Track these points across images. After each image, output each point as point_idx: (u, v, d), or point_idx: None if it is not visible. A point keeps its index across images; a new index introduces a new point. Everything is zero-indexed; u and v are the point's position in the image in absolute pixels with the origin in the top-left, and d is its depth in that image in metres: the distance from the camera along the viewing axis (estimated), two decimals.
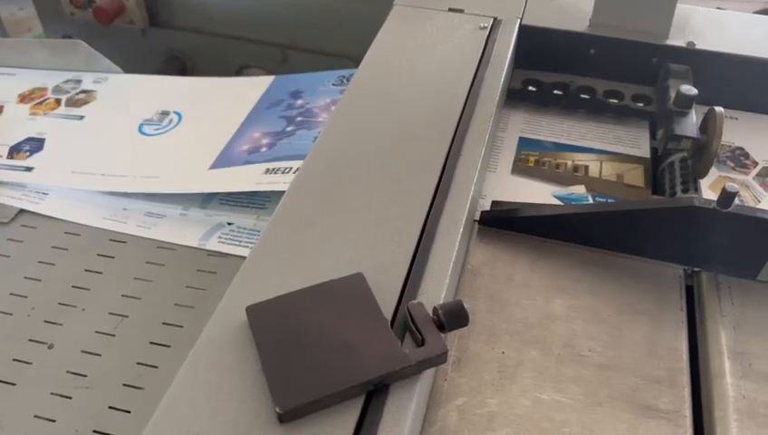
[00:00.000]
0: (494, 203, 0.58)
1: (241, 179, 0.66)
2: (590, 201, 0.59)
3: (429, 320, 0.39)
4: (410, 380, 0.38)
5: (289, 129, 0.73)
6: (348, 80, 0.78)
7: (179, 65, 1.20)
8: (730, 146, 0.64)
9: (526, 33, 0.69)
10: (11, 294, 0.61)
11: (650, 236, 0.53)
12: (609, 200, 0.59)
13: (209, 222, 0.66)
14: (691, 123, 0.59)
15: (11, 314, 0.59)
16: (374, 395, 0.37)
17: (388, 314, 0.41)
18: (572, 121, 0.69)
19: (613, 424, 0.44)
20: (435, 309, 0.40)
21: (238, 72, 1.17)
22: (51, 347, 0.56)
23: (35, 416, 0.51)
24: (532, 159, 0.63)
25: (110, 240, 0.66)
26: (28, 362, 0.55)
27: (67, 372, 0.54)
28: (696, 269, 0.54)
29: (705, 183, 0.61)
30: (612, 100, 0.68)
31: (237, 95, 0.82)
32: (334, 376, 0.36)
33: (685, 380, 0.47)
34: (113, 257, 0.64)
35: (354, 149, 0.53)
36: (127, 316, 0.58)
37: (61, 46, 0.88)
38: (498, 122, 0.66)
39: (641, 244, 0.53)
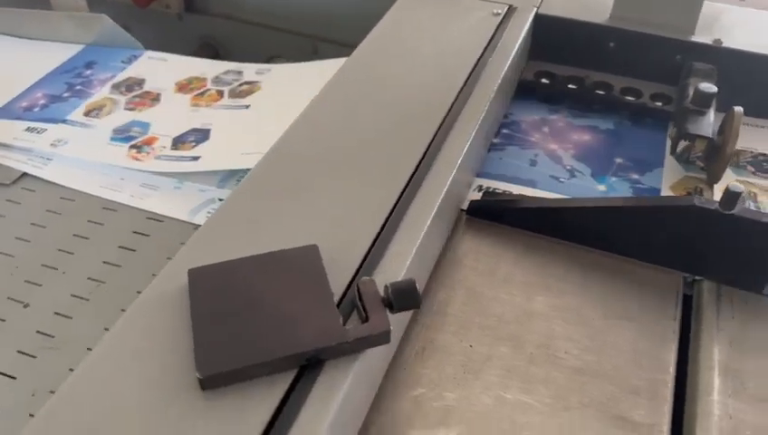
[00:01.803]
0: (486, 193, 0.55)
1: (6, 133, 0.72)
2: None
3: (378, 298, 0.37)
4: (349, 358, 0.35)
5: (65, 94, 0.78)
6: (135, 58, 0.85)
7: (212, 52, 1.21)
8: (752, 152, 0.59)
9: (542, 22, 0.65)
10: None
11: (647, 236, 0.49)
12: None
13: (201, 197, 0.65)
14: (707, 123, 0.55)
15: None
16: (307, 370, 0.35)
17: (339, 290, 0.39)
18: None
19: (579, 433, 0.40)
20: (385, 287, 0.37)
21: (268, 62, 1.18)
22: (26, 306, 0.56)
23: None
24: None
25: (103, 208, 0.65)
26: (1, 320, 0.55)
27: (37, 331, 0.54)
28: (697, 278, 0.50)
29: (719, 187, 0.56)
30: (629, 97, 0.64)
31: (48, 57, 0.84)
32: (264, 346, 0.34)
33: (667, 393, 0.43)
34: (102, 224, 0.63)
35: (337, 127, 0.51)
36: (104, 283, 0.57)
37: (85, 20, 0.89)
38: (502, 112, 0.63)
39: (638, 245, 0.49)
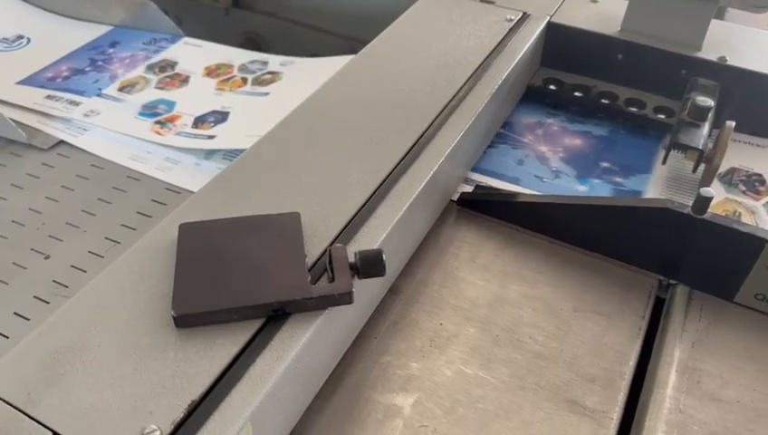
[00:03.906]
0: (478, 187, 0.58)
1: (25, 96, 0.79)
2: None
3: (346, 263, 0.40)
4: (313, 314, 0.38)
5: (87, 69, 0.85)
6: (156, 42, 0.91)
7: (254, 47, 1.26)
8: (747, 171, 0.60)
9: (554, 30, 0.68)
10: (29, 208, 0.66)
11: (624, 236, 0.50)
12: None
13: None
14: (700, 135, 0.56)
15: (23, 226, 0.64)
16: (273, 320, 0.38)
17: (314, 255, 0.42)
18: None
19: (531, 411, 0.42)
20: (355, 254, 0.40)
21: None
22: (47, 258, 0.61)
23: (14, 313, 0.55)
24: None
25: (127, 177, 0.70)
26: (23, 267, 0.60)
27: (53, 281, 0.58)
28: (672, 282, 0.51)
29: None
30: (633, 108, 0.65)
31: (81, 35, 0.92)
32: (236, 294, 0.38)
33: (623, 384, 0.45)
34: (125, 191, 0.68)
35: (336, 113, 0.55)
36: (120, 243, 0.62)
37: (133, 5, 0.95)
38: (504, 114, 0.66)
39: (615, 244, 0.51)
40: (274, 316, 0.38)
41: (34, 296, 0.57)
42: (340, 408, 0.42)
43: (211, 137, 0.73)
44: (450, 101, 0.56)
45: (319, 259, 0.42)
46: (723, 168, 0.59)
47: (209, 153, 0.73)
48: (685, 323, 0.48)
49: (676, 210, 0.47)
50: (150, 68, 0.86)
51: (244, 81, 0.83)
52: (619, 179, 0.58)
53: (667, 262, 0.50)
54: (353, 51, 1.16)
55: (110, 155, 0.74)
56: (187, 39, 0.93)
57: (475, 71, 0.60)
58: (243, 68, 0.86)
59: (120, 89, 0.82)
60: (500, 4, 0.70)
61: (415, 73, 0.59)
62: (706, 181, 0.56)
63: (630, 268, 0.52)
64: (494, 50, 0.63)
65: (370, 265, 0.40)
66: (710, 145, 0.57)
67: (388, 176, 0.48)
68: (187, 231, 0.42)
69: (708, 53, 0.63)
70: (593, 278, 0.51)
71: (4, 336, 0.54)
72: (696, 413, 0.42)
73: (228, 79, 0.84)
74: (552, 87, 0.68)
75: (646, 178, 0.58)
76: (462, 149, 0.54)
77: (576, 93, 0.67)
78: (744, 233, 0.45)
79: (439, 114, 0.54)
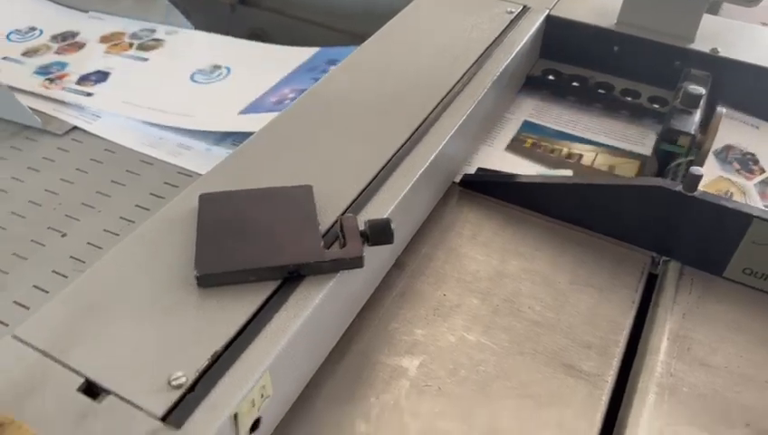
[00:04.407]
0: (480, 169, 0.60)
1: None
2: None
3: (356, 230, 0.42)
4: (326, 277, 0.41)
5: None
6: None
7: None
8: (742, 150, 0.63)
9: (553, 23, 0.70)
10: (45, 190, 0.69)
11: (618, 215, 0.53)
12: None
13: None
14: (692, 121, 0.59)
15: (40, 206, 0.67)
16: (288, 282, 0.40)
17: (326, 224, 0.44)
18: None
19: (529, 373, 0.45)
20: (365, 223, 0.43)
21: None
22: (64, 236, 0.63)
23: (34, 286, 0.58)
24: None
25: (140, 161, 0.73)
26: (42, 244, 0.62)
27: (71, 257, 0.61)
28: (664, 259, 0.54)
29: (703, 183, 0.60)
30: (628, 98, 0.68)
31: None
32: (254, 256, 0.40)
33: (617, 351, 0.47)
34: (138, 175, 0.71)
35: (345, 96, 0.57)
36: (134, 222, 0.64)
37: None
38: (504, 102, 0.68)
39: (609, 222, 0.54)
40: (290, 278, 0.40)
41: (53, 271, 0.59)
42: (350, 369, 0.45)
43: (89, 94, 0.82)
44: (452, 88, 0.58)
45: (330, 228, 0.44)
46: (719, 144, 0.62)
47: (219, 139, 0.75)
48: (676, 296, 0.51)
49: (668, 188, 0.49)
50: (54, 38, 0.94)
51: (131, 45, 0.93)
52: None
53: (659, 239, 0.53)
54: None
55: (123, 140, 0.76)
56: (92, 13, 1.00)
57: (477, 60, 0.62)
58: (134, 35, 0.95)
59: (24, 53, 0.91)
60: None
61: (419, 62, 0.62)
62: (699, 164, 0.58)
63: (624, 245, 0.54)
64: (494, 41, 0.65)
65: (380, 232, 0.42)
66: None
67: (394, 155, 0.51)
68: (206, 200, 0.44)
69: (701, 44, 0.66)
70: (588, 255, 0.54)
71: (25, 307, 0.56)
72: (686, 377, 0.45)
73: (118, 44, 0.93)
74: (550, 77, 0.71)
75: None
76: (463, 134, 0.57)
77: (574, 84, 0.70)
78: (731, 209, 0.48)
79: (442, 100, 0.57)
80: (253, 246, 0.41)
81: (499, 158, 0.62)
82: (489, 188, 0.57)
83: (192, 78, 0.86)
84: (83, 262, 0.60)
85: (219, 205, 0.44)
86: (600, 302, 0.50)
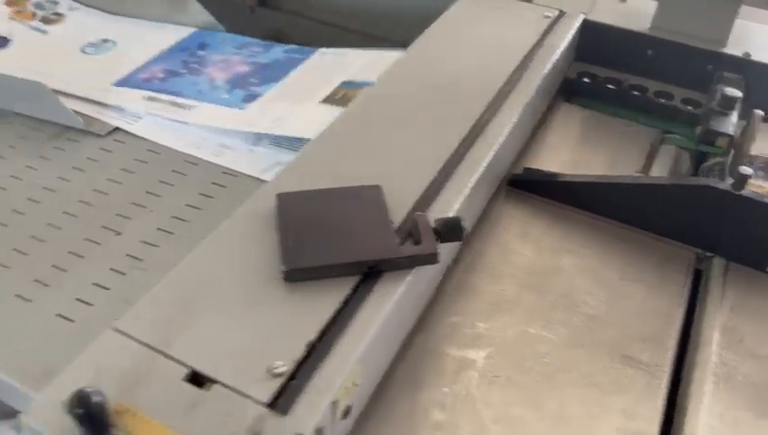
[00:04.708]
0: (526, 169, 0.62)
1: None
2: None
3: (429, 228, 0.44)
4: (402, 272, 0.43)
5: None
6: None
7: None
8: (766, 158, 0.65)
9: (589, 27, 0.73)
10: (93, 190, 0.70)
11: (666, 213, 0.55)
12: None
13: (270, 159, 0.74)
14: (730, 123, 0.61)
15: (91, 205, 0.68)
16: (368, 278, 0.42)
17: (397, 222, 0.46)
18: None
19: (591, 365, 0.47)
20: (435, 220, 0.45)
21: None
22: (118, 234, 0.65)
23: (93, 283, 0.59)
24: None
25: (185, 161, 0.74)
26: (97, 243, 0.64)
27: (127, 255, 0.62)
28: (708, 254, 0.56)
29: None
30: (662, 100, 0.70)
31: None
32: (335, 252, 0.42)
33: (672, 343, 0.49)
34: (185, 175, 0.72)
35: (399, 96, 0.59)
36: (187, 221, 0.66)
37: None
38: (545, 101, 0.70)
39: (656, 220, 0.56)
40: (369, 274, 0.42)
41: (111, 268, 0.61)
42: (418, 360, 0.47)
43: None
44: (500, 90, 0.60)
45: (400, 227, 0.46)
46: None
47: (257, 139, 0.77)
48: (724, 290, 0.53)
49: (717, 187, 0.51)
50: None
51: (34, 15, 0.97)
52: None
53: (705, 236, 0.55)
54: None
55: (165, 141, 0.78)
56: None
57: (521, 63, 0.64)
58: (38, 5, 1.00)
59: None
60: (537, 2, 0.75)
61: (465, 64, 0.64)
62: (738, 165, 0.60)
63: (669, 242, 0.57)
64: (535, 44, 0.68)
65: (451, 230, 0.44)
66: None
67: (454, 154, 0.53)
68: (284, 200, 0.46)
69: (733, 48, 0.69)
70: (635, 252, 0.56)
71: (88, 304, 0.58)
72: (740, 367, 0.47)
73: (21, 11, 0.97)
74: (585, 80, 0.73)
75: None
76: (514, 134, 0.59)
77: (609, 86, 0.72)
78: None
79: (493, 101, 0.59)
80: (333, 243, 0.43)
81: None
82: (537, 188, 0.59)
83: (82, 50, 0.94)
84: (140, 259, 0.62)
85: (296, 204, 0.46)
86: (649, 297, 0.53)
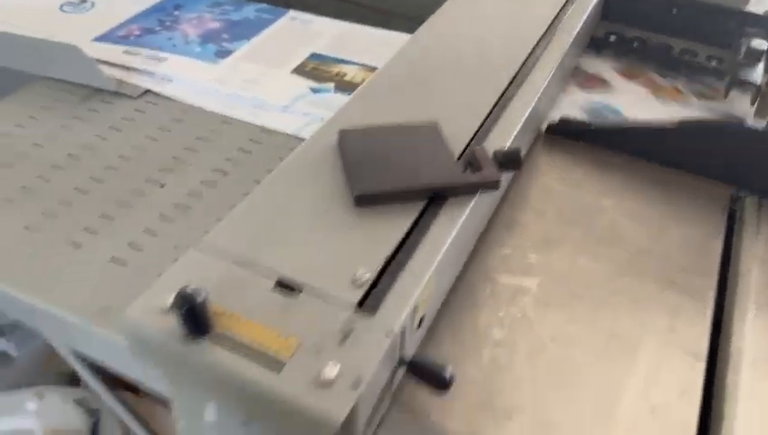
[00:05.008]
0: (562, 120, 0.64)
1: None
2: None
3: (488, 158, 0.46)
4: (466, 198, 0.44)
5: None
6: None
7: None
8: None
9: None
10: (132, 146, 0.71)
11: (702, 151, 0.58)
12: None
13: (309, 115, 0.76)
14: (757, 73, 0.63)
15: (131, 160, 0.70)
16: (434, 202, 0.44)
17: (455, 155, 0.48)
18: None
19: (639, 292, 0.49)
20: (494, 152, 0.47)
21: None
22: (162, 186, 0.66)
23: (144, 230, 0.61)
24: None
25: (221, 121, 0.76)
26: (143, 193, 0.65)
27: (173, 203, 0.64)
28: (741, 194, 0.58)
29: None
30: (687, 57, 0.73)
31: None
32: (402, 178, 0.44)
33: (714, 271, 0.52)
34: (221, 133, 0.74)
35: (440, 49, 0.61)
36: (228, 173, 0.67)
37: None
38: (576, 57, 0.73)
39: (693, 159, 0.58)
40: (434, 199, 0.44)
41: (160, 215, 0.62)
42: (475, 285, 0.49)
43: None
44: (537, 44, 0.62)
45: (459, 158, 0.48)
46: None
47: (294, 99, 0.79)
48: (758, 226, 0.55)
49: (750, 127, 0.54)
50: None
51: None
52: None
53: (738, 173, 0.57)
54: (388, 24, 1.22)
55: (200, 102, 0.79)
56: None
57: (553, 21, 0.67)
58: None
59: None
60: None
61: (500, 22, 0.66)
62: (763, 114, 0.63)
63: (705, 181, 0.59)
64: (565, 4, 0.70)
65: (510, 158, 0.46)
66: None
67: (501, 98, 0.55)
68: (346, 135, 0.47)
69: (755, 7, 0.71)
70: (673, 191, 0.58)
71: (140, 250, 0.59)
72: None
73: None
74: (612, 38, 0.75)
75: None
76: (552, 84, 0.61)
77: (635, 44, 0.75)
78: None
79: (531, 53, 0.61)
80: (399, 172, 0.44)
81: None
82: (579, 133, 0.61)
83: (61, 8, 0.98)
84: (188, 207, 0.63)
85: (358, 138, 0.47)
86: (690, 232, 0.55)
